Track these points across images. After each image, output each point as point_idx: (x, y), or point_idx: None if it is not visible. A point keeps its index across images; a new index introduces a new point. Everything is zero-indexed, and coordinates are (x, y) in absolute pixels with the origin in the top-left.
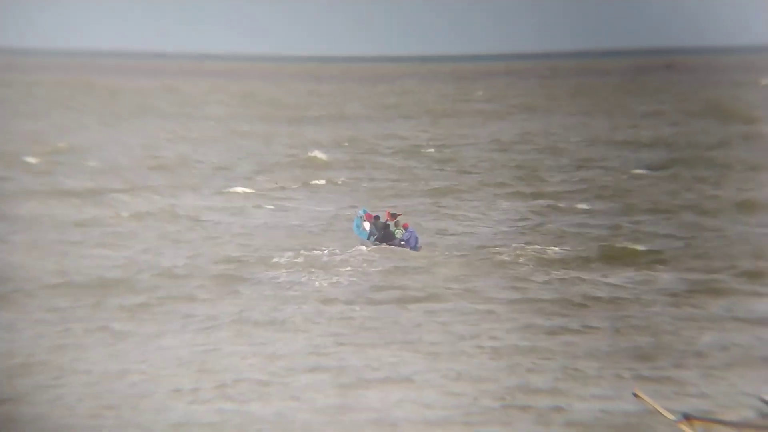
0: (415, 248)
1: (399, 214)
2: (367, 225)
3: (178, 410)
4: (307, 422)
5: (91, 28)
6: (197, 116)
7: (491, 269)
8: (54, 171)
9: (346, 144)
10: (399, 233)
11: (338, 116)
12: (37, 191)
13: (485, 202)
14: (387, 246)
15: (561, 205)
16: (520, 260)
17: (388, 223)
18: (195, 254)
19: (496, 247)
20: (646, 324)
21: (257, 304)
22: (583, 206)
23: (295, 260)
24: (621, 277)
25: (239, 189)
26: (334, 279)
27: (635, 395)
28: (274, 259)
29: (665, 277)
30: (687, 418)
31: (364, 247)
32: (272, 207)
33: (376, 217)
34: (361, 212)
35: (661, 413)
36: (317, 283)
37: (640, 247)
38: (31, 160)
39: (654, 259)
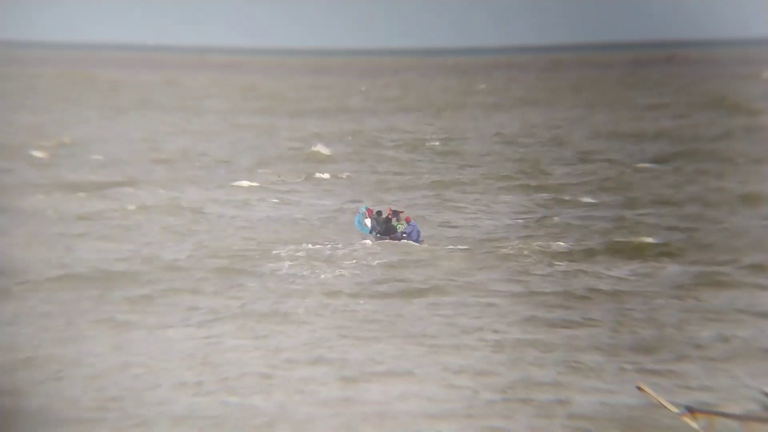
0: (417, 242)
1: (401, 212)
2: (368, 222)
3: (181, 403)
4: (309, 415)
5: (92, 21)
6: (199, 109)
7: (494, 262)
8: (58, 164)
9: (349, 137)
10: (401, 227)
11: (340, 109)
12: (41, 184)
13: (488, 194)
14: (389, 240)
15: (565, 197)
16: (524, 253)
17: (389, 217)
18: (198, 247)
19: (499, 240)
20: (649, 317)
21: (260, 297)
22: (587, 199)
23: (299, 254)
24: (624, 270)
25: (242, 183)
26: (338, 272)
27: (639, 388)
28: (277, 252)
29: (669, 269)
30: (690, 411)
31: (368, 241)
32: (276, 200)
33: (378, 212)
34: (363, 209)
35: (664, 406)
36: (321, 276)
37: (643, 240)
38: (36, 153)
39: (658, 252)
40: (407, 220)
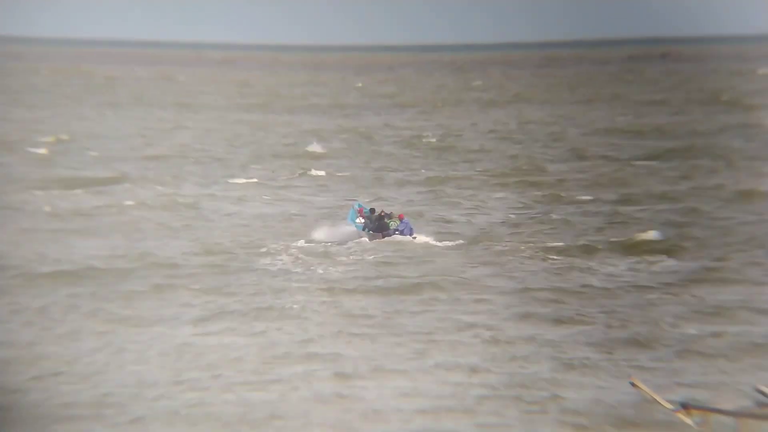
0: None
1: (392, 213)
2: (361, 219)
3: (176, 399)
4: (304, 411)
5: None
6: (194, 106)
7: (489, 258)
8: (54, 160)
9: (345, 134)
10: (394, 224)
11: (336, 106)
12: (37, 180)
13: (484, 190)
14: (382, 236)
15: (560, 194)
16: (519, 249)
17: (382, 215)
18: (193, 243)
19: (494, 236)
20: (643, 313)
21: (255, 293)
22: (583, 195)
23: (294, 250)
24: (619, 266)
25: (238, 179)
26: (333, 269)
27: (632, 384)
28: (273, 249)
29: (664, 265)
30: (684, 407)
31: (365, 239)
32: (271, 197)
33: (371, 210)
34: (356, 205)
35: (658, 402)
36: (317, 272)
37: (638, 236)
38: (33, 149)
39: (653, 248)
40: (400, 217)
